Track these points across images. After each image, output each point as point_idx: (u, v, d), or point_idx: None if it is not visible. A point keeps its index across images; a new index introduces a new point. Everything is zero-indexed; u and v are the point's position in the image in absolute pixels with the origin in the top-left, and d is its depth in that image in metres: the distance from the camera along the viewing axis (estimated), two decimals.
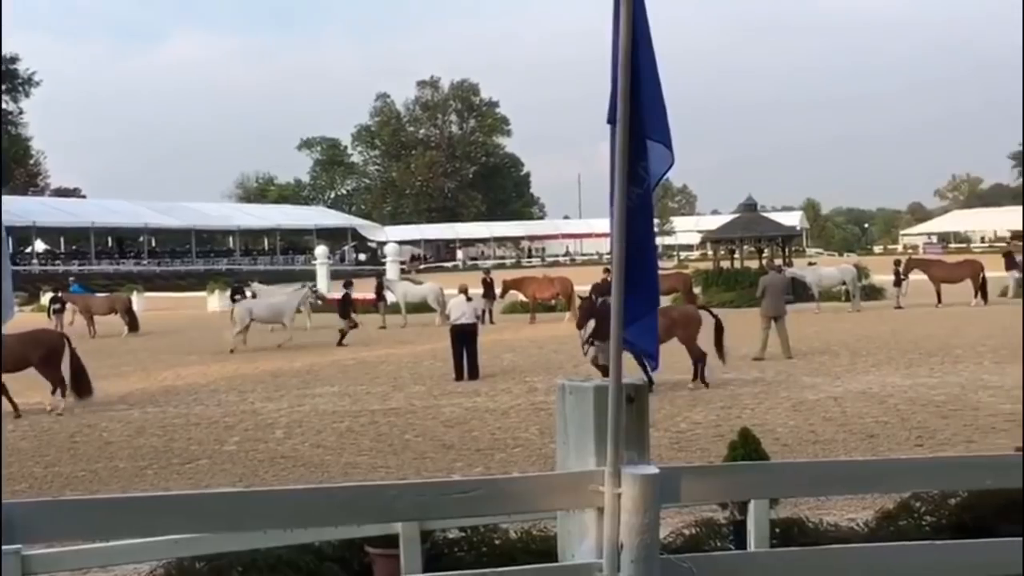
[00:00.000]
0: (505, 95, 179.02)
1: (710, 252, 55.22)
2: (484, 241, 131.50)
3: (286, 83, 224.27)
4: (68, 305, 42.93)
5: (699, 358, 19.49)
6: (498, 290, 41.93)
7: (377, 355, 27.78)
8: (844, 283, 40.80)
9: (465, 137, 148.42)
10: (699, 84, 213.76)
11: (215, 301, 55.08)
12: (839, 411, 16.42)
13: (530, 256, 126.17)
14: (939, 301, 38.96)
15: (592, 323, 19.10)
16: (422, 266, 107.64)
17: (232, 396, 20.62)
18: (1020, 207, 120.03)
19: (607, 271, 27.54)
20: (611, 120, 4.29)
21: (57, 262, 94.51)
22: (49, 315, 41.16)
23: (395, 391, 20.51)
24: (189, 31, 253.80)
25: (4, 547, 3.95)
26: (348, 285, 36.38)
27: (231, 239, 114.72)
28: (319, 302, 39.13)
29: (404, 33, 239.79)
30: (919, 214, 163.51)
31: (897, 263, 41.89)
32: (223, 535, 6.14)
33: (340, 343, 31.31)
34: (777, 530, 7.79)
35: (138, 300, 50.76)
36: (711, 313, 20.71)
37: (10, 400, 18.56)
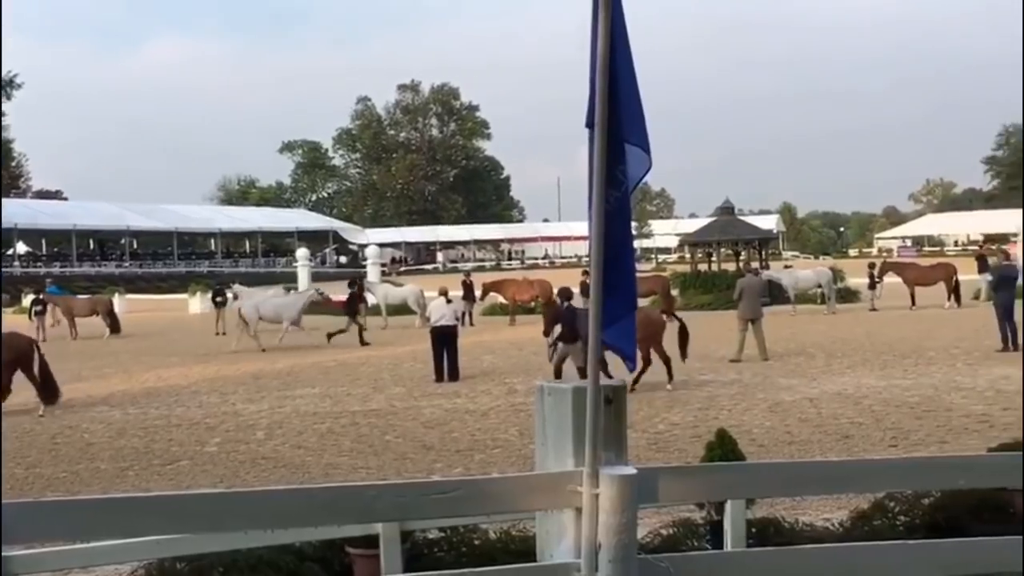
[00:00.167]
0: (485, 99, 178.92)
1: (688, 255, 55.35)
2: (464, 244, 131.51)
3: (267, 86, 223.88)
4: (50, 307, 42.73)
5: (665, 361, 19.49)
6: (478, 292, 41.97)
7: (358, 357, 27.74)
8: (820, 286, 40.97)
9: (445, 140, 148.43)
10: (677, 87, 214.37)
11: (197, 303, 54.95)
12: (815, 412, 16.47)
13: (510, 259, 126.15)
14: (913, 304, 39.19)
15: (558, 327, 19.16)
16: (403, 268, 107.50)
17: (213, 397, 20.55)
18: (993, 211, 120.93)
19: (586, 274, 27.61)
20: (589, 124, 4.30)
21: (39, 264, 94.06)
22: (31, 317, 40.94)
23: (376, 392, 20.48)
24: (171, 34, 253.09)
25: None
26: (353, 285, 36.29)
27: (213, 241, 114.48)
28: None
29: (382, 38, 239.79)
30: (894, 218, 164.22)
31: (872, 266, 42.12)
32: (204, 536, 6.12)
33: (362, 342, 31.39)
34: (753, 530, 7.81)
35: (119, 302, 50.56)
36: (676, 317, 20.73)
37: None
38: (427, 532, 7.61)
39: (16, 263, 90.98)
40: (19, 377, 19.21)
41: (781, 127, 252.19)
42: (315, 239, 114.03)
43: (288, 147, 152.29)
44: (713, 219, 52.98)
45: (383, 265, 69.66)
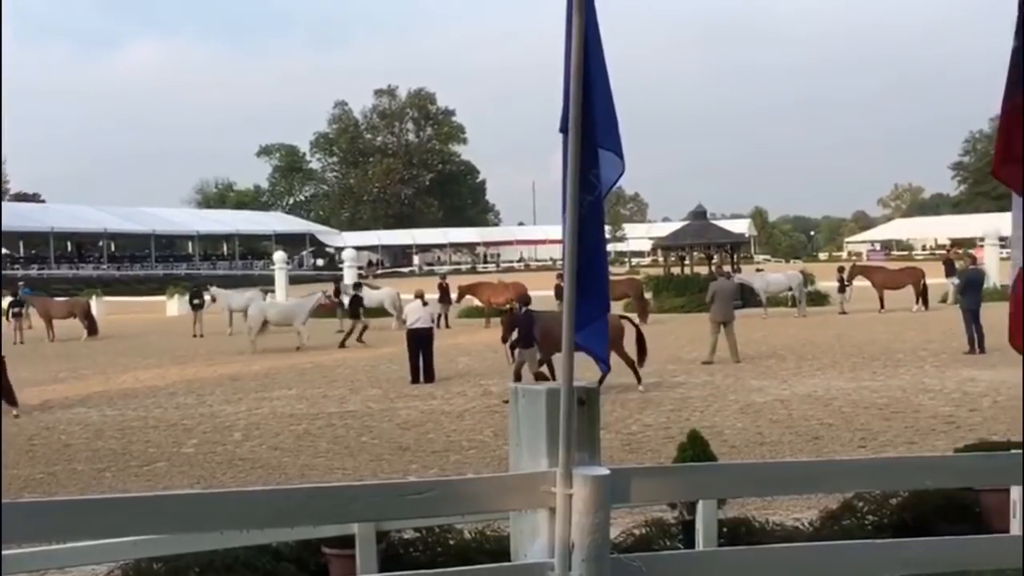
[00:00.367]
0: (461, 104, 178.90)
1: (661, 258, 55.46)
2: (440, 247, 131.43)
3: (245, 90, 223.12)
4: (27, 309, 42.44)
5: (629, 364, 19.49)
6: (454, 295, 41.92)
7: (335, 359, 27.67)
8: (791, 289, 41.09)
9: (422, 145, 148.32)
10: (651, 93, 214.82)
11: (174, 305, 54.67)
12: (785, 413, 16.53)
13: (485, 262, 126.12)
14: (882, 307, 39.37)
15: (515, 333, 19.15)
16: (379, 271, 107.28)
17: (190, 399, 20.46)
18: (960, 216, 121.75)
19: (560, 277, 27.53)
20: (563, 129, 4.30)
21: (16, 266, 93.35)
22: (8, 319, 40.62)
23: (352, 394, 20.44)
24: (150, 38, 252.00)
25: None
26: (358, 287, 36.16)
27: (190, 244, 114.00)
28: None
29: (360, 43, 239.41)
30: (863, 222, 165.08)
31: (841, 270, 42.29)
32: (181, 536, 6.10)
33: (360, 340, 31.36)
34: (725, 529, 7.84)
35: (97, 304, 50.24)
36: (631, 322, 20.74)
37: None
38: (403, 532, 7.60)
39: None
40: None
41: (753, 133, 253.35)
42: (292, 242, 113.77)
43: (266, 151, 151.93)
44: (686, 223, 53.07)
45: (360, 268, 69.47)
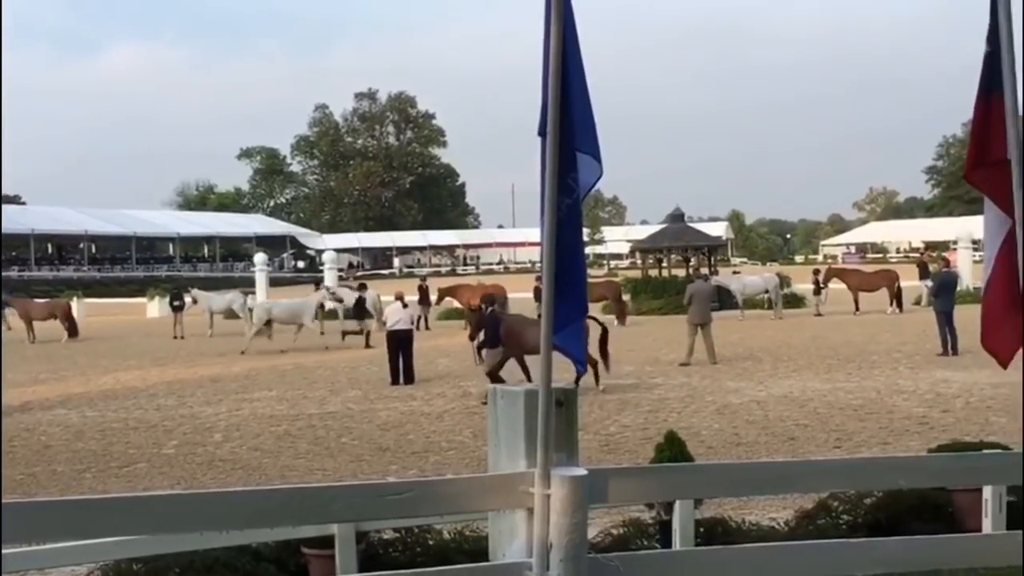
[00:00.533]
0: (441, 107, 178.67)
1: (639, 261, 55.58)
2: (420, 249, 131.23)
3: (225, 93, 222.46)
4: (7, 310, 42.19)
5: (592, 364, 19.48)
6: (433, 297, 41.89)
7: (315, 360, 27.61)
8: (767, 291, 41.22)
9: (402, 148, 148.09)
10: (629, 96, 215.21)
11: (155, 307, 54.49)
12: (762, 414, 16.58)
13: (465, 264, 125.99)
14: (857, 309, 39.53)
15: (482, 333, 19.16)
16: (359, 273, 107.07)
17: (171, 400, 20.38)
18: (933, 219, 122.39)
19: (539, 279, 27.52)
20: (541, 132, 4.31)
21: None
22: None
23: (332, 395, 20.40)
24: (130, 41, 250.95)
25: None
26: (362, 288, 36.07)
27: (171, 246, 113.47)
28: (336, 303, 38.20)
29: (340, 46, 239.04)
30: (838, 225, 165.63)
31: (817, 272, 42.47)
32: (161, 537, 6.07)
33: (367, 345, 31.13)
34: (701, 529, 7.86)
35: (78, 306, 50.04)
36: (597, 322, 20.75)
37: None
38: (382, 532, 7.60)
39: None
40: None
41: (730, 136, 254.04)
42: (273, 244, 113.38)
43: (246, 153, 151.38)
44: (664, 226, 53.17)
45: (340, 270, 69.31)
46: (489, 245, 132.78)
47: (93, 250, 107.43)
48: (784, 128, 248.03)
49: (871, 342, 27.78)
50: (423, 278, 46.59)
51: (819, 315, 39.04)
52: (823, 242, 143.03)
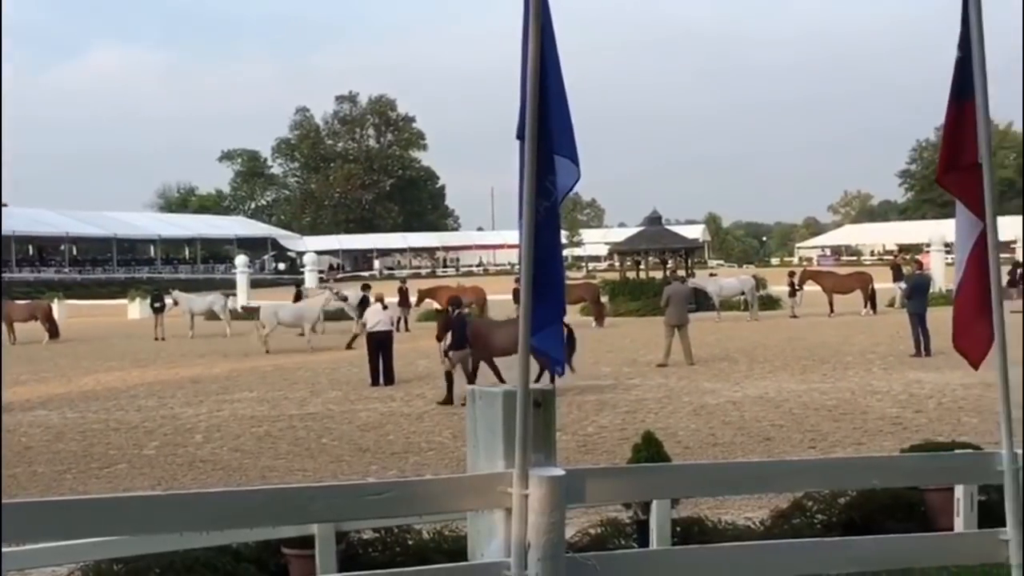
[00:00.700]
0: (421, 111, 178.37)
1: (617, 263, 55.64)
2: (400, 251, 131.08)
3: (207, 95, 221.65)
4: None
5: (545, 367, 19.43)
6: (413, 299, 41.84)
7: (295, 361, 27.53)
8: (743, 293, 41.35)
9: (383, 151, 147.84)
10: (608, 99, 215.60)
11: (136, 309, 54.23)
12: (738, 415, 16.62)
13: (445, 266, 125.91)
14: (831, 311, 39.69)
15: (449, 335, 19.14)
16: (340, 275, 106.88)
17: (152, 401, 20.29)
18: (907, 222, 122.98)
19: (518, 281, 27.55)
20: (520, 136, 4.31)
21: None
22: None
23: (313, 396, 20.35)
24: (110, 45, 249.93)
25: None
26: (366, 288, 35.95)
27: (152, 248, 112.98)
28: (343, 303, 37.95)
29: (322, 48, 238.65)
30: (814, 228, 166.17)
31: (792, 274, 42.61)
32: (141, 537, 6.04)
33: (348, 346, 31.00)
34: (678, 529, 7.88)
35: (59, 307, 49.73)
36: (565, 325, 20.73)
37: None
38: (362, 533, 7.58)
39: None
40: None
41: (708, 140, 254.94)
42: (254, 246, 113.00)
43: (228, 156, 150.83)
44: (641, 229, 53.23)
45: (321, 272, 69.19)
46: (469, 247, 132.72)
47: (74, 252, 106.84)
48: (760, 132, 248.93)
49: (845, 343, 27.90)
50: (403, 280, 46.53)
51: (794, 317, 39.18)
52: (798, 245, 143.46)
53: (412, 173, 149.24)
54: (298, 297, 40.47)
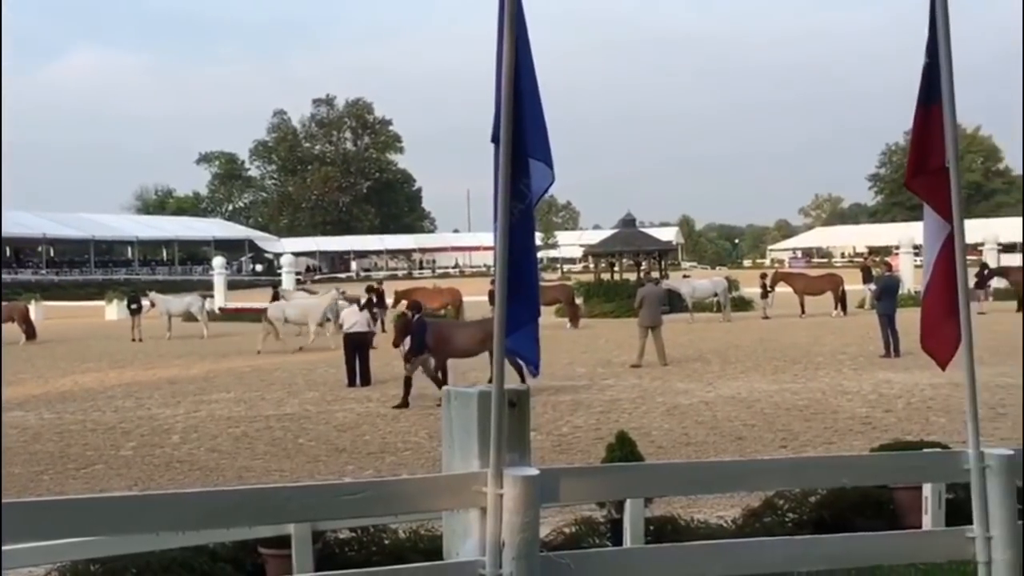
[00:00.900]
0: (398, 113, 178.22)
1: (591, 265, 55.66)
2: (377, 253, 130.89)
3: (185, 98, 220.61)
4: None
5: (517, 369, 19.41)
6: (389, 300, 41.74)
7: (272, 362, 27.42)
8: (716, 295, 41.44)
9: (359, 153, 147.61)
10: (582, 102, 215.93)
11: (113, 310, 53.89)
12: (710, 415, 16.67)
13: (421, 268, 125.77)
14: (803, 312, 39.84)
15: (408, 340, 19.11)
16: (317, 277, 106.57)
17: (129, 402, 20.17)
18: (876, 225, 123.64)
19: (494, 282, 27.51)
20: (494, 139, 4.32)
21: None
22: None
23: (290, 397, 20.28)
24: (88, 47, 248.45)
25: None
26: (370, 290, 35.77)
27: (130, 249, 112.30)
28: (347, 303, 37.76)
29: (299, 52, 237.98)
30: (785, 230, 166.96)
31: (764, 276, 42.72)
32: (118, 538, 6.00)
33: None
34: (651, 527, 7.89)
35: (36, 309, 49.33)
36: None
37: None
38: (338, 532, 7.56)
39: None
40: None
41: (681, 142, 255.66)
42: (231, 248, 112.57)
43: (205, 158, 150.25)
44: (616, 231, 53.27)
45: (298, 274, 68.95)
46: (445, 249, 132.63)
47: (51, 253, 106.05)
48: (733, 135, 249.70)
49: (816, 344, 28.03)
50: (379, 281, 46.45)
51: (766, 318, 39.30)
52: (770, 247, 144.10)
53: (389, 176, 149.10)
54: (275, 298, 40.29)
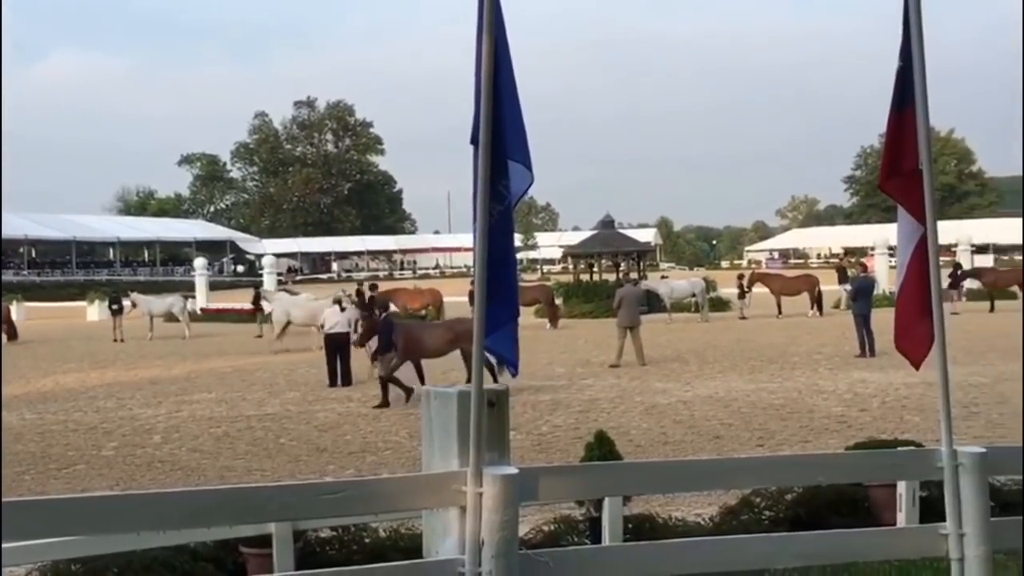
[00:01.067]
0: (379, 116, 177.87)
1: (571, 266, 55.71)
2: (358, 254, 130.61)
3: (167, 100, 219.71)
4: None
5: (489, 368, 19.41)
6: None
7: (254, 363, 27.34)
8: (694, 295, 41.50)
9: (340, 155, 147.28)
10: (560, 105, 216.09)
11: (95, 311, 53.59)
12: (688, 414, 16.71)
13: (402, 268, 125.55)
14: (779, 312, 39.96)
15: (376, 339, 19.08)
16: (298, 278, 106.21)
17: (110, 402, 20.07)
18: (852, 226, 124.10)
19: (474, 283, 27.38)
20: (474, 141, 4.32)
21: None
22: None
23: (271, 397, 20.22)
24: (69, 49, 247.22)
25: None
26: (374, 289, 35.60)
27: (111, 250, 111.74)
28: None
29: (280, 55, 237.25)
30: (762, 232, 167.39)
31: (741, 277, 42.83)
32: (99, 537, 5.97)
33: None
34: (630, 525, 7.90)
35: (17, 309, 49.02)
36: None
37: None
38: (319, 531, 7.54)
39: None
40: None
41: (659, 145, 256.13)
42: (213, 249, 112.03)
43: (187, 160, 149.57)
44: (595, 232, 53.33)
45: (279, 274, 68.73)
46: (425, 250, 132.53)
47: (33, 254, 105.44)
48: (711, 137, 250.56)
49: (792, 344, 28.12)
50: (360, 283, 46.36)
51: (743, 318, 39.40)
52: (747, 248, 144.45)
53: (370, 177, 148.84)
54: (257, 299, 40.16)
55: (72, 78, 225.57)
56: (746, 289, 41.27)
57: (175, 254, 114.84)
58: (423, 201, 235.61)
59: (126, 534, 5.93)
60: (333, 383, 21.61)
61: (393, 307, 32.49)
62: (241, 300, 43.84)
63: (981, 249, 78.23)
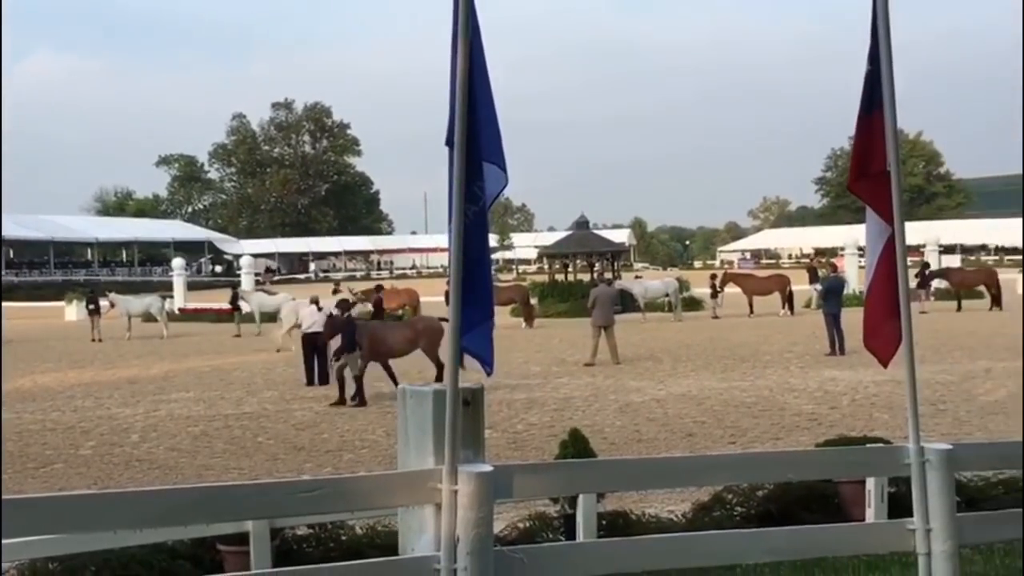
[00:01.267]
0: (356, 118, 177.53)
1: (546, 266, 55.77)
2: (336, 254, 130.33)
3: (145, 101, 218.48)
4: None
5: (440, 366, 19.30)
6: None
7: (232, 362, 27.23)
8: (667, 295, 41.59)
9: (318, 156, 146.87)
10: (539, 106, 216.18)
11: (73, 311, 53.22)
12: (661, 412, 16.75)
13: (379, 269, 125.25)
14: (751, 311, 40.10)
15: (338, 338, 19.05)
16: (276, 278, 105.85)
17: (88, 402, 19.94)
18: (822, 227, 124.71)
19: (449, 283, 27.33)
20: (449, 142, 4.32)
21: None
22: None
23: (249, 396, 20.14)
24: (48, 50, 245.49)
25: None
26: (379, 290, 35.47)
27: (89, 251, 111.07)
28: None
29: (258, 57, 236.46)
30: (734, 232, 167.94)
31: (714, 277, 42.95)
32: (76, 536, 5.94)
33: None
34: (604, 522, 7.91)
35: None
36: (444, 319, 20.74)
37: None
38: (296, 529, 7.52)
39: None
40: None
41: (633, 146, 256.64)
42: (191, 249, 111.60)
43: (165, 160, 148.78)
44: (570, 233, 53.41)
45: (257, 275, 68.45)
46: (402, 251, 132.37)
47: (10, 254, 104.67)
48: (684, 138, 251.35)
49: (764, 343, 28.22)
50: (337, 283, 46.26)
51: (716, 317, 39.52)
52: (720, 248, 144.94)
53: (347, 178, 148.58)
54: (235, 299, 40.00)
55: (50, 79, 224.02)
56: (719, 289, 41.39)
57: (153, 254, 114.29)
58: (400, 202, 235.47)
59: (103, 532, 5.90)
60: (311, 382, 21.54)
61: (369, 306, 32.62)
62: (219, 300, 43.60)
63: (949, 249, 78.72)
